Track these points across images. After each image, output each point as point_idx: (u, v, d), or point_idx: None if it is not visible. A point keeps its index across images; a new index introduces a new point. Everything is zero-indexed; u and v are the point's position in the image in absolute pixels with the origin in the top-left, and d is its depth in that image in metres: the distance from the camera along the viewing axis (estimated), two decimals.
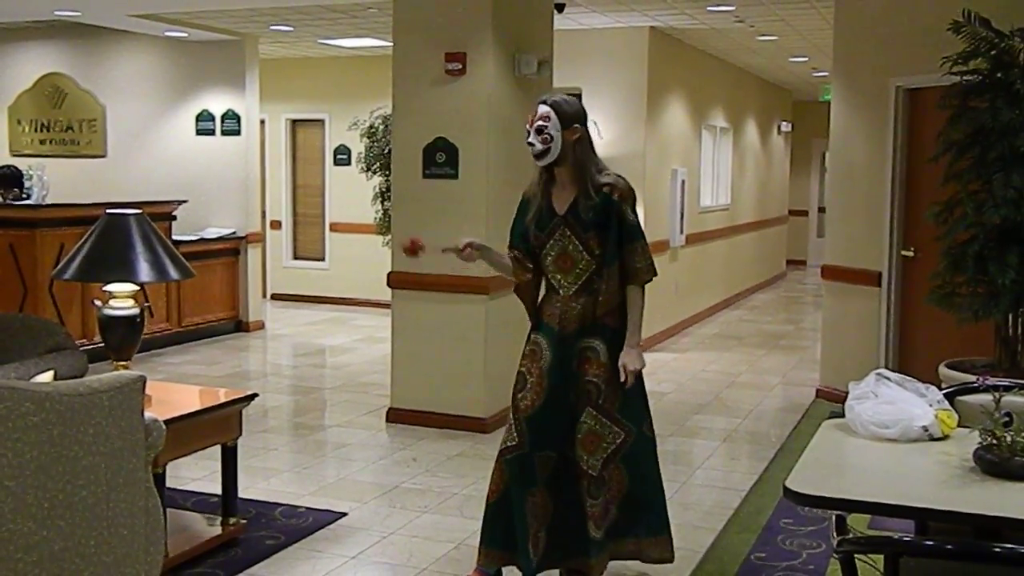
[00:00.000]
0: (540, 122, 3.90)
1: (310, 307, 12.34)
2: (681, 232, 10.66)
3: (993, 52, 5.28)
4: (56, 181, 9.54)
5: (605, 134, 9.73)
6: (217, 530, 4.55)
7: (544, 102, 3.95)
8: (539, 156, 3.93)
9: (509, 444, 3.94)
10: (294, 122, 12.82)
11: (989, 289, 5.25)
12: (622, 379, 3.91)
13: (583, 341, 3.93)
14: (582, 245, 3.91)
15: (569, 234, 3.93)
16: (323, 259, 12.74)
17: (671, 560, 4.08)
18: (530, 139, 3.92)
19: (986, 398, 3.07)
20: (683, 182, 10.66)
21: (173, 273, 4.39)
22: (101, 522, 2.99)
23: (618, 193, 3.93)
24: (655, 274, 4.02)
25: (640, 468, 3.99)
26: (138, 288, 4.43)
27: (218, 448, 4.55)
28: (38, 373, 4.32)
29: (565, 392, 3.92)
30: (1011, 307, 5.25)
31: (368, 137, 9.94)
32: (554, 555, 3.96)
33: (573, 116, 3.93)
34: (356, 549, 4.59)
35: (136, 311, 4.37)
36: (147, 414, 3.29)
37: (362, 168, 10.01)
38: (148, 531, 3.24)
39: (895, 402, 3.24)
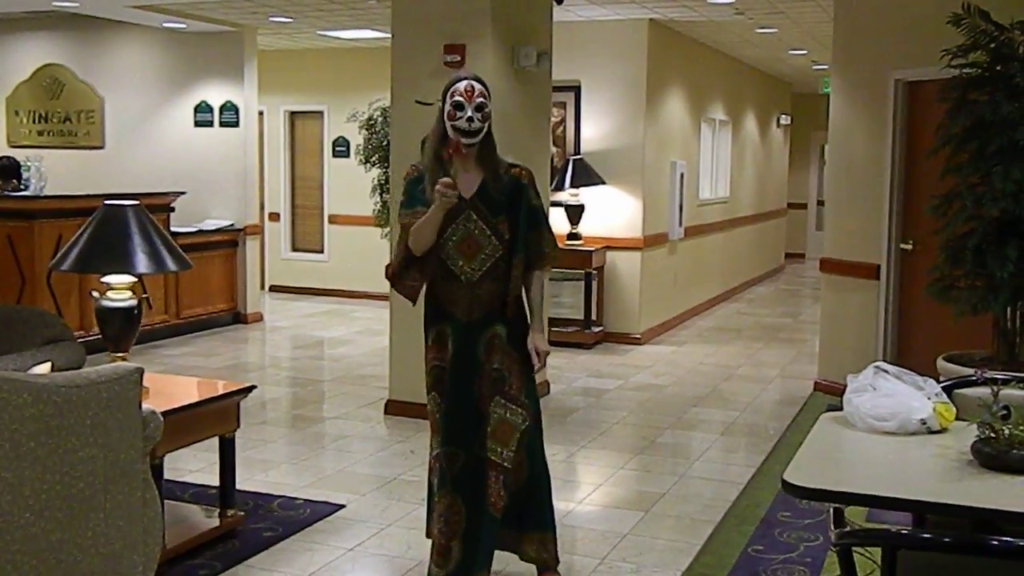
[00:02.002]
0: (481, 99, 3.69)
1: (308, 299, 12.34)
2: (680, 225, 10.65)
3: (993, 45, 5.26)
4: (54, 172, 9.54)
5: (604, 127, 9.73)
6: (215, 522, 4.56)
7: (474, 79, 3.76)
8: (472, 135, 3.69)
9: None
10: (293, 114, 12.81)
11: (988, 282, 5.25)
12: (537, 364, 3.84)
13: (489, 329, 3.79)
14: (490, 230, 3.75)
15: (475, 218, 3.75)
16: (322, 251, 12.73)
17: (553, 564, 3.94)
18: (469, 115, 3.66)
19: (984, 391, 3.07)
20: (682, 175, 10.65)
21: (171, 265, 4.38)
22: (99, 514, 2.99)
23: (527, 176, 3.83)
24: (556, 258, 3.98)
25: (536, 457, 3.90)
26: (136, 280, 4.42)
27: (216, 440, 4.55)
28: (36, 364, 4.31)
29: (469, 383, 3.78)
30: (1009, 300, 5.25)
31: (367, 129, 9.92)
32: (476, 566, 3.77)
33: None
34: (354, 541, 4.59)
35: (134, 303, 4.36)
36: (145, 406, 3.29)
37: (361, 160, 10.00)
38: (146, 523, 3.24)
39: (893, 395, 3.24)
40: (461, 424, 3.79)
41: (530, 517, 3.91)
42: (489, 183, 3.77)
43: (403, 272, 3.87)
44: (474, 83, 3.73)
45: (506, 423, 3.76)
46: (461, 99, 3.69)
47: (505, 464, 3.74)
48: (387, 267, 3.95)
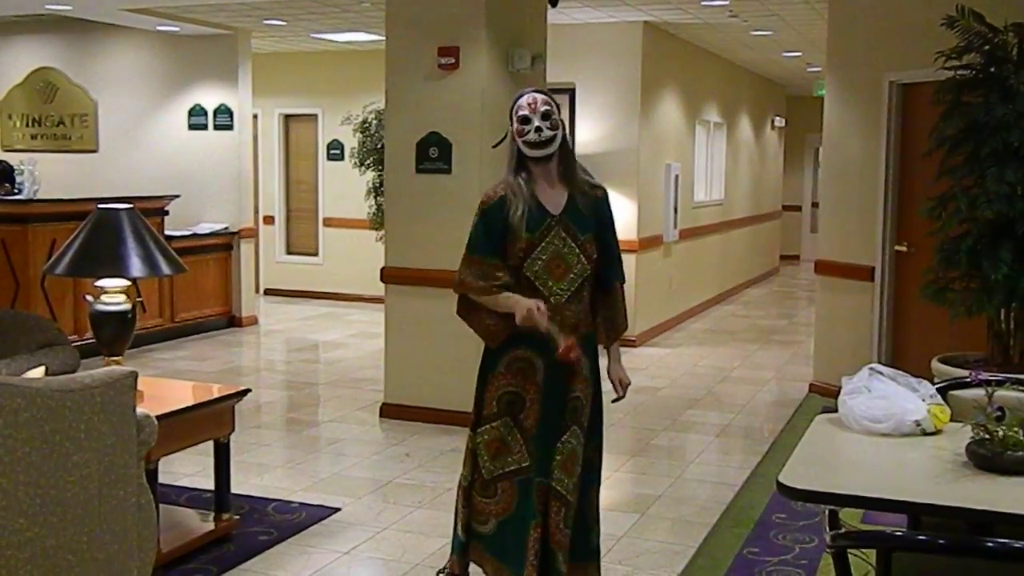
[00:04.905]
0: (545, 107, 3.58)
1: (303, 302, 12.32)
2: (675, 227, 10.66)
3: (987, 47, 5.28)
4: (47, 176, 9.51)
5: (599, 129, 9.73)
6: (210, 526, 4.54)
7: (536, 91, 3.68)
8: (544, 145, 3.57)
9: (523, 465, 3.61)
10: (287, 117, 12.80)
11: (982, 284, 5.26)
12: (618, 395, 3.77)
13: None
14: (579, 248, 3.60)
15: (564, 236, 3.60)
16: (316, 254, 12.72)
17: None
18: (536, 124, 3.55)
19: (978, 393, 3.08)
20: (677, 177, 10.66)
21: (165, 268, 4.38)
22: (93, 518, 2.98)
23: (606, 195, 3.76)
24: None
25: (590, 487, 3.73)
26: (130, 283, 4.41)
27: (211, 444, 4.53)
28: (29, 369, 4.31)
29: (559, 412, 3.62)
30: (1004, 302, 5.26)
31: (361, 132, 9.92)
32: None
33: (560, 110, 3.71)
34: (349, 544, 4.59)
35: (128, 306, 4.35)
36: (139, 410, 3.28)
37: (355, 163, 10.00)
38: (140, 527, 3.23)
39: (888, 397, 3.24)
40: (542, 450, 3.61)
41: (578, 547, 3.70)
42: (577, 199, 3.63)
43: (471, 311, 3.68)
44: (536, 95, 3.64)
45: (574, 454, 3.61)
46: (526, 112, 3.59)
47: (569, 497, 3.58)
48: (458, 300, 3.73)
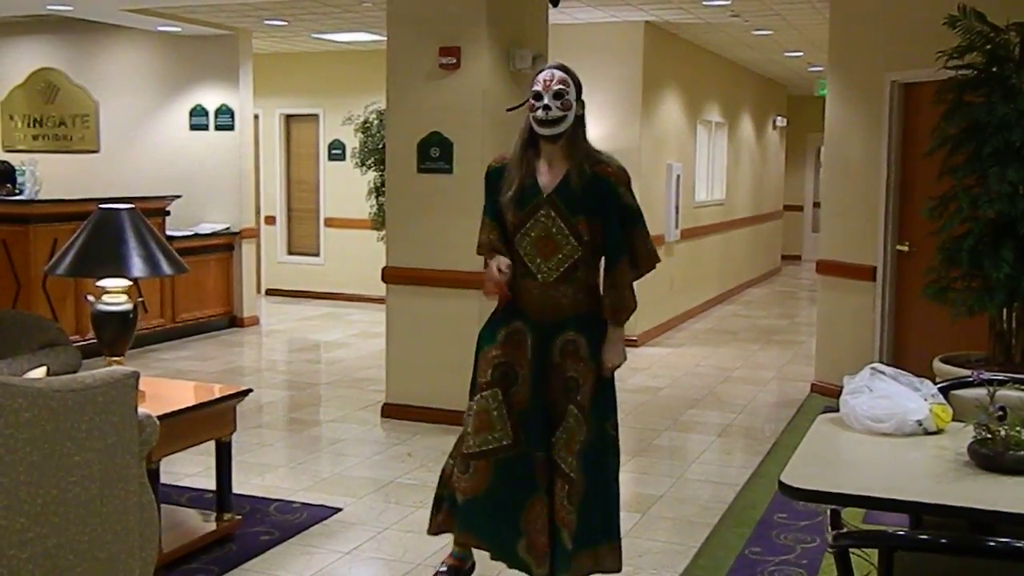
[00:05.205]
0: (559, 86, 3.59)
1: (305, 302, 12.33)
2: (676, 227, 10.66)
3: (988, 46, 5.27)
4: (49, 176, 9.52)
5: (600, 129, 9.72)
6: (212, 526, 4.55)
7: (558, 67, 3.66)
8: (552, 123, 3.59)
9: (504, 443, 3.64)
10: (288, 117, 12.80)
11: (984, 283, 5.25)
12: (604, 375, 3.72)
13: (564, 333, 3.66)
14: (568, 229, 3.61)
15: (554, 215, 3.62)
16: (318, 254, 12.73)
17: (619, 570, 3.75)
18: (546, 102, 3.57)
19: (980, 392, 3.07)
20: (678, 177, 10.66)
21: (166, 268, 4.37)
22: (95, 518, 2.98)
23: (616, 175, 3.70)
24: (658, 260, 3.82)
25: (604, 469, 3.71)
26: (131, 283, 4.41)
27: (212, 444, 4.53)
28: (31, 369, 4.30)
29: (547, 386, 3.65)
30: (1005, 301, 5.26)
31: (363, 132, 9.92)
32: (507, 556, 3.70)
33: (581, 89, 3.68)
34: (351, 544, 4.59)
35: (129, 306, 4.35)
36: (141, 410, 3.28)
37: (357, 163, 10.00)
38: (142, 527, 3.23)
39: (890, 396, 3.23)
40: (542, 425, 3.63)
41: (602, 531, 3.69)
42: (572, 178, 3.62)
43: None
44: (555, 71, 3.65)
45: (575, 432, 3.60)
46: (539, 88, 3.61)
47: (572, 475, 3.58)
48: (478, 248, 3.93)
